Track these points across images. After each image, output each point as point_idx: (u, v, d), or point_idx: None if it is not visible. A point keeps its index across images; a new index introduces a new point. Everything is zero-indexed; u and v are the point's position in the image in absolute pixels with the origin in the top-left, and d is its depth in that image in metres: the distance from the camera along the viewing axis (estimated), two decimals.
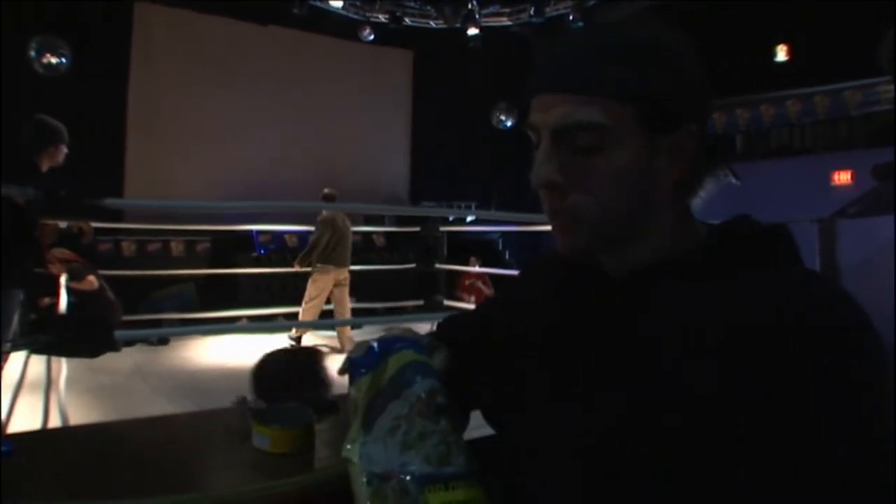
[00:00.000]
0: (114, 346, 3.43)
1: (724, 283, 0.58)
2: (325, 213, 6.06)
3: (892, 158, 3.80)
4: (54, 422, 3.21)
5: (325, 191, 6.01)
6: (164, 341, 6.07)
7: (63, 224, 3.64)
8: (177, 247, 7.28)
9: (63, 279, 5.21)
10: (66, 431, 1.71)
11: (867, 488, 0.48)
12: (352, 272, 7.99)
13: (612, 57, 0.61)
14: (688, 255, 0.64)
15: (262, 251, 7.67)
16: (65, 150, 3.31)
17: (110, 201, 2.73)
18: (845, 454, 0.49)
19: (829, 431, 0.49)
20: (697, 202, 0.68)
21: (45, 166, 3.21)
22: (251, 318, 6.86)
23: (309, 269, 6.07)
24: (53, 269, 5.44)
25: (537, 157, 0.65)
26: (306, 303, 6.08)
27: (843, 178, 6.95)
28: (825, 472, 0.49)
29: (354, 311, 7.04)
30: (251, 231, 7.56)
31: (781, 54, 7.95)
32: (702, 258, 0.63)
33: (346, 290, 6.26)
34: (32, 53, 6.58)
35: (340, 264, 6.11)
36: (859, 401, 0.50)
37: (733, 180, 0.67)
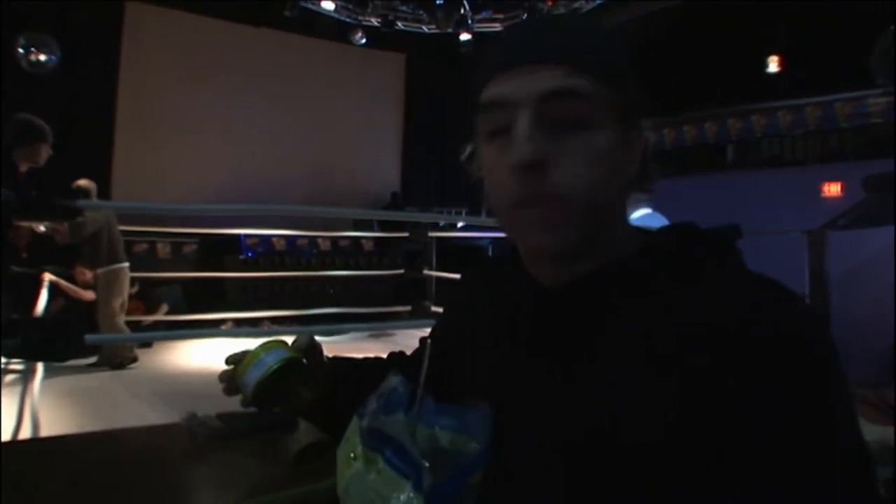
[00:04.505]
0: (82, 351, 3.35)
1: (681, 292, 0.56)
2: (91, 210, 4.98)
3: (882, 171, 3.79)
4: (26, 426, 3.13)
5: (83, 183, 4.87)
6: (146, 344, 5.99)
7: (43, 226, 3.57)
8: (163, 249, 7.20)
9: (46, 277, 5.14)
10: (23, 445, 1.65)
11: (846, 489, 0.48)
12: (340, 277, 7.89)
13: (601, 39, 0.61)
14: (634, 262, 0.61)
15: (250, 254, 7.59)
16: (46, 150, 3.23)
17: (83, 203, 2.67)
18: (823, 471, 0.48)
19: (804, 448, 0.48)
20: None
21: (23, 166, 3.14)
22: (237, 321, 6.80)
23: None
24: (79, 277, 5.40)
25: (515, 135, 0.59)
26: (120, 314, 5.27)
27: (832, 189, 6.96)
28: (805, 482, 0.48)
29: (341, 317, 6.97)
30: (239, 234, 7.49)
31: (773, 65, 7.95)
32: (650, 264, 0.60)
33: None
34: (20, 51, 6.50)
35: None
36: (835, 419, 0.49)
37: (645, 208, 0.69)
